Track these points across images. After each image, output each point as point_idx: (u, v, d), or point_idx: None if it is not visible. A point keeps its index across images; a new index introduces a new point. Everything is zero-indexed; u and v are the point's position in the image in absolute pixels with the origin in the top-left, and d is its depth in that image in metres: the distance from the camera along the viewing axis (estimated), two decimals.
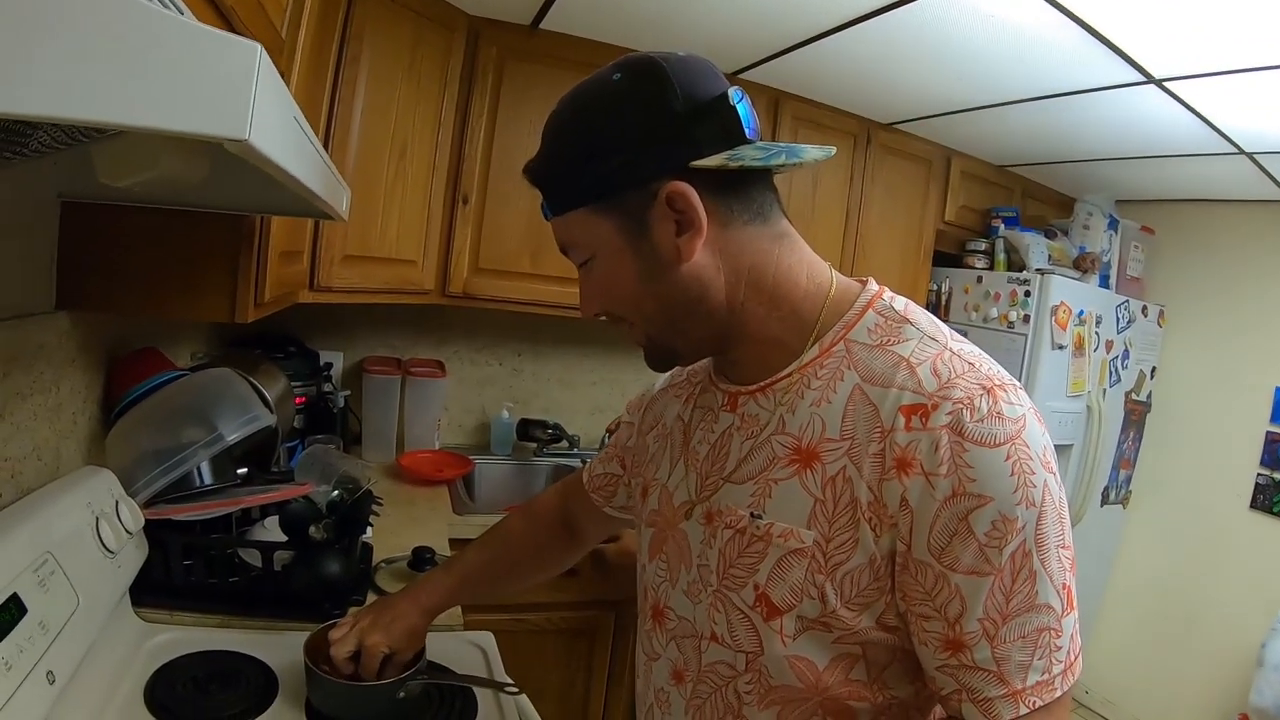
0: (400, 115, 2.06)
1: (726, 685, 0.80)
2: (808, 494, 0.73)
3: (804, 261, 0.80)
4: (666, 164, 0.73)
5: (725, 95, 0.74)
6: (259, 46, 0.50)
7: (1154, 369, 3.29)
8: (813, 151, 0.77)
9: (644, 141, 0.73)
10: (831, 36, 1.99)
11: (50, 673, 0.96)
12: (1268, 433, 3.00)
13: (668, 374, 1.04)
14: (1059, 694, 0.67)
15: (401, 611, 1.17)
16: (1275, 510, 2.96)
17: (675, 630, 0.86)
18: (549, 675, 2.29)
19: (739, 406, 0.82)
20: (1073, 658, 0.68)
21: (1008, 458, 0.65)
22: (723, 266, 0.77)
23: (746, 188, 0.77)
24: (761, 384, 0.80)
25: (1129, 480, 3.32)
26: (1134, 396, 3.20)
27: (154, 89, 0.46)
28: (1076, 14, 1.66)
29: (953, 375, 0.69)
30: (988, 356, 0.74)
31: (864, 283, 0.81)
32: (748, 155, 0.73)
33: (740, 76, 2.52)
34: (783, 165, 0.75)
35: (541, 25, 2.26)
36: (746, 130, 0.75)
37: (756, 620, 0.75)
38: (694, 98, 0.73)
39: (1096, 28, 1.72)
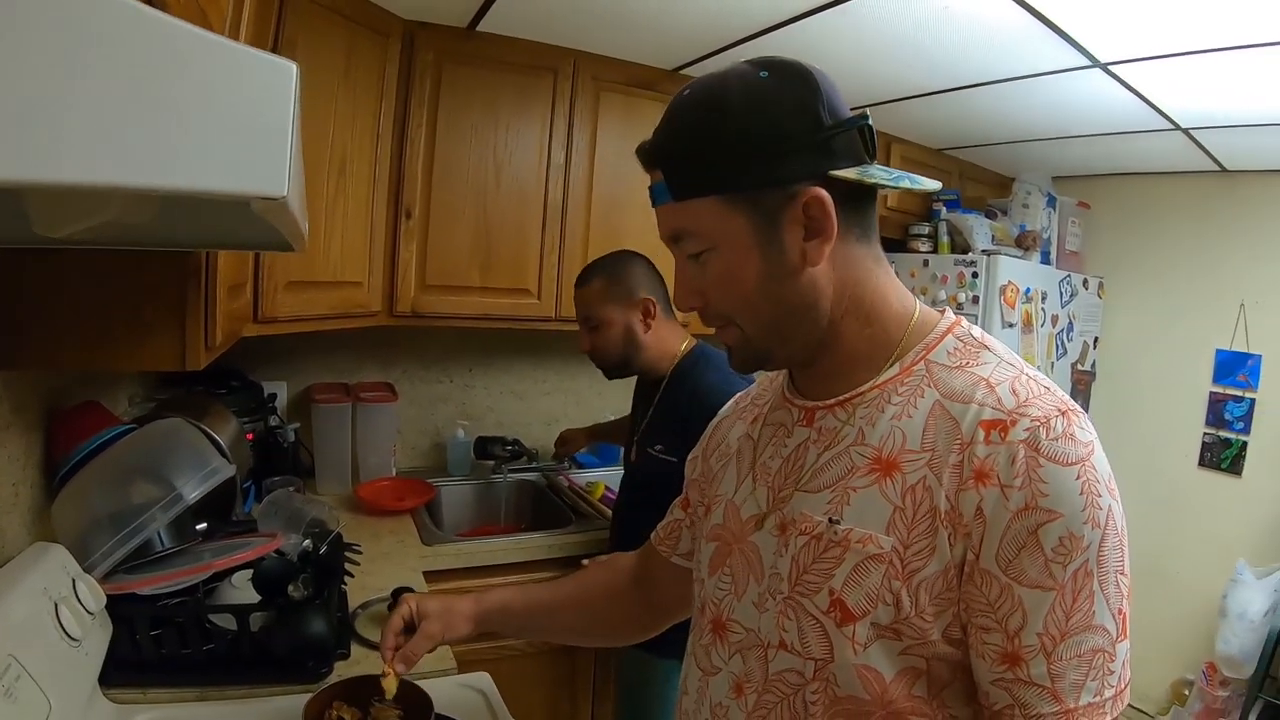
0: (338, 129, 1.94)
1: (794, 694, 0.78)
2: (887, 501, 0.73)
3: (894, 284, 0.83)
4: (809, 169, 0.74)
5: (865, 114, 0.75)
6: (294, 68, 0.41)
7: (1096, 339, 3.39)
8: (929, 183, 0.80)
9: (791, 143, 0.74)
10: (781, 30, 1.95)
11: None
12: (1211, 393, 3.12)
13: (730, 403, 1.04)
14: (1108, 719, 0.68)
15: (454, 600, 1.16)
16: (1223, 466, 3.09)
17: (740, 643, 0.84)
18: (534, 696, 2.22)
19: (815, 420, 0.83)
20: (1123, 685, 0.69)
21: (1078, 477, 0.67)
22: (833, 278, 0.78)
23: (864, 206, 0.79)
24: (840, 398, 0.81)
25: None
26: (1080, 367, 3.29)
27: (171, 136, 0.36)
28: (1029, 2, 1.67)
29: (1030, 396, 0.71)
30: (1057, 385, 0.76)
31: (943, 312, 0.84)
32: (878, 175, 0.75)
33: (680, 72, 2.47)
34: (907, 190, 0.79)
35: (479, 27, 2.16)
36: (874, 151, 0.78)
37: (829, 626, 0.75)
38: (837, 111, 0.75)
39: (1047, 15, 1.73)
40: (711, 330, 0.85)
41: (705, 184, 0.75)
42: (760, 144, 0.73)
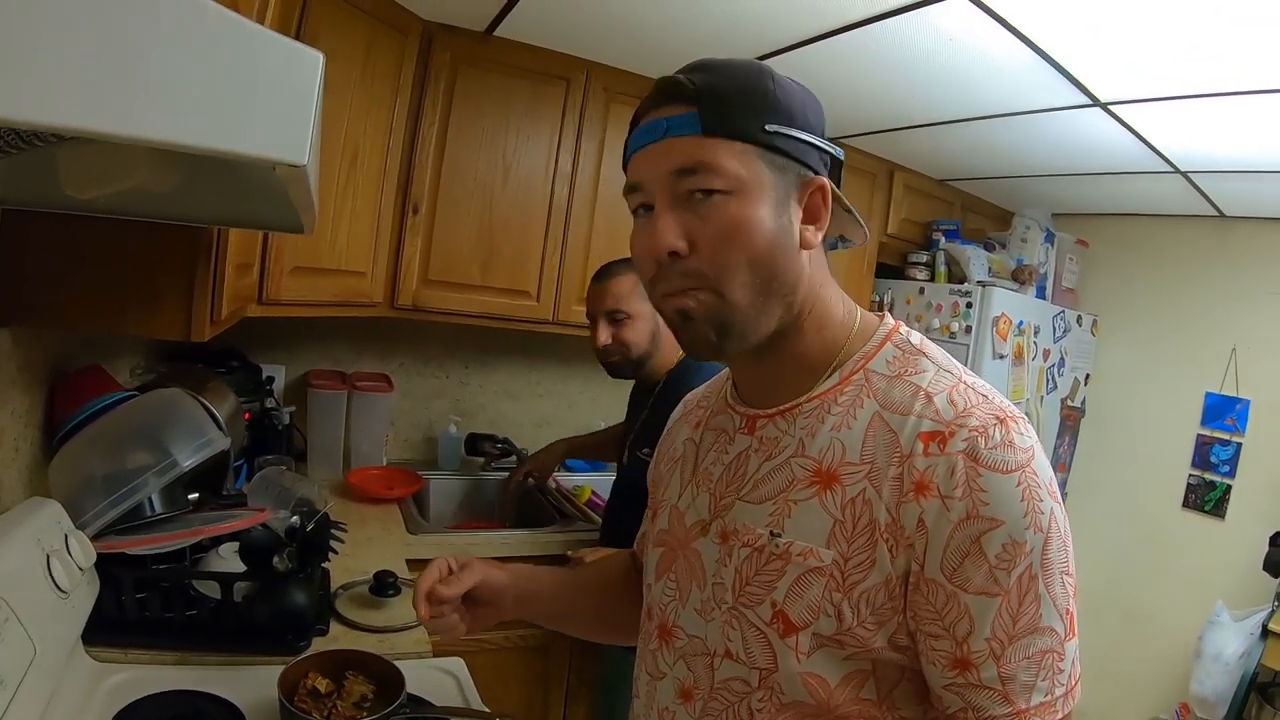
0: (352, 121, 1.98)
1: (739, 702, 0.80)
2: (827, 514, 0.74)
3: (840, 294, 0.85)
4: (819, 164, 0.79)
5: (842, 155, 0.83)
6: (321, 57, 0.46)
7: (1088, 376, 3.42)
8: (858, 240, 0.90)
9: (814, 137, 0.78)
10: (793, 51, 2.00)
11: None
12: (1198, 435, 3.15)
13: (680, 405, 1.04)
14: (1059, 716, 0.70)
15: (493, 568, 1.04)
16: (1206, 509, 3.11)
17: (684, 649, 0.85)
18: (509, 693, 2.24)
19: (757, 429, 0.84)
20: (1073, 682, 0.71)
21: (1019, 484, 0.68)
22: (806, 274, 0.80)
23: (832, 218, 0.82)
24: (781, 408, 0.82)
25: (1065, 484, 3.43)
26: (1069, 403, 3.32)
27: (203, 102, 0.42)
28: (1033, 40, 1.72)
29: (968, 405, 0.72)
30: (996, 390, 0.77)
31: (881, 317, 0.85)
32: (845, 201, 0.81)
33: None
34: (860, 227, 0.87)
35: (496, 32, 2.21)
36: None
37: (772, 637, 0.76)
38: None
39: (1050, 53, 1.78)
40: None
41: (749, 130, 0.74)
42: (800, 124, 0.77)
